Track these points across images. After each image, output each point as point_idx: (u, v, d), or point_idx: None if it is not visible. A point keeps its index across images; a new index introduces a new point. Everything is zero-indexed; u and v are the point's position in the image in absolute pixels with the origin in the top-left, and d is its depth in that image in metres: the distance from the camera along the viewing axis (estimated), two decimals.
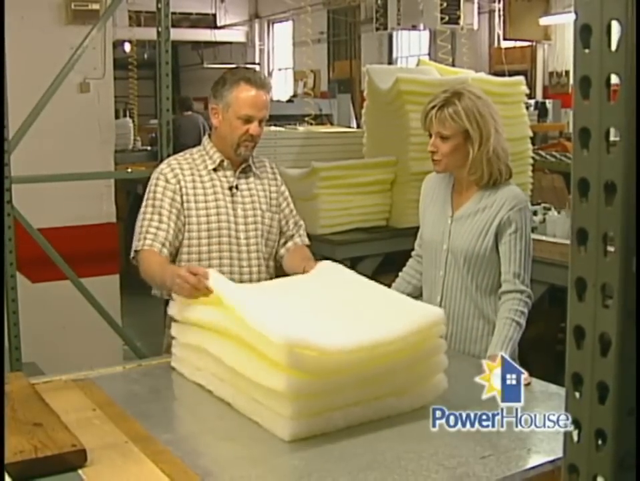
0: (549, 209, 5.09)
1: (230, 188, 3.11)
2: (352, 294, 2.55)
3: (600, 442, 1.03)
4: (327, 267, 2.82)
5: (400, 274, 3.31)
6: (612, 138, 0.99)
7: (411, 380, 2.32)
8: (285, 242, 3.24)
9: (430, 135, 3.02)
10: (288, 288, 2.71)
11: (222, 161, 3.11)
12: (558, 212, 4.90)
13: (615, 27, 0.97)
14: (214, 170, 3.10)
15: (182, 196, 3.04)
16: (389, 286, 3.17)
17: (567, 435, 1.07)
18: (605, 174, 0.98)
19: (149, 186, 3.09)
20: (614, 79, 0.98)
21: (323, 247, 4.79)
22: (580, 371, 1.04)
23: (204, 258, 3.04)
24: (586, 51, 0.99)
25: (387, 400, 2.25)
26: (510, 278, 2.93)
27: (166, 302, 2.81)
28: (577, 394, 1.05)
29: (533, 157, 5.76)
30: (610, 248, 1.00)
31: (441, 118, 2.94)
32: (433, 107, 2.97)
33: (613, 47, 0.97)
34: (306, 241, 3.30)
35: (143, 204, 3.07)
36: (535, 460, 2.02)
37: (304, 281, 2.75)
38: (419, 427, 2.19)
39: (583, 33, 0.99)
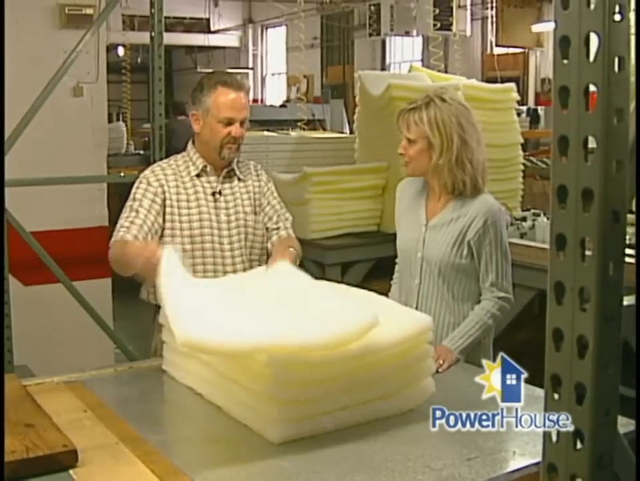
0: (538, 215, 5.12)
1: (213, 194, 3.12)
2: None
3: (578, 442, 1.06)
4: (285, 269, 2.75)
5: (392, 283, 3.32)
6: (590, 146, 1.02)
7: (400, 385, 2.34)
8: (271, 237, 3.23)
9: None
10: (258, 289, 2.67)
11: (204, 167, 3.12)
12: (548, 218, 4.93)
13: (593, 39, 1.00)
14: (197, 175, 3.12)
15: (164, 200, 3.05)
16: (379, 291, 3.20)
17: (546, 436, 1.10)
18: (583, 181, 1.01)
19: (134, 187, 3.11)
20: (592, 89, 1.01)
21: (314, 252, 4.81)
22: (558, 373, 1.06)
23: (186, 264, 3.02)
24: (565, 61, 1.02)
25: (376, 404, 2.27)
26: (487, 287, 2.99)
27: (157, 307, 2.84)
28: (556, 395, 1.08)
29: (524, 164, 5.80)
30: (588, 253, 1.03)
31: (407, 122, 3.00)
32: (402, 110, 3.04)
33: (591, 58, 1.00)
34: (292, 234, 3.27)
35: (126, 204, 3.09)
36: (520, 462, 2.04)
37: (275, 282, 2.67)
38: (406, 430, 2.21)
39: (562, 44, 1.02)
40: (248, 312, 2.27)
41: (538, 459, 1.96)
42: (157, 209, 3.04)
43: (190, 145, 3.19)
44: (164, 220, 3.05)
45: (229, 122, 3.03)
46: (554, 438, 1.08)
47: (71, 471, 1.94)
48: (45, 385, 2.55)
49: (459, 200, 3.02)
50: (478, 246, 2.96)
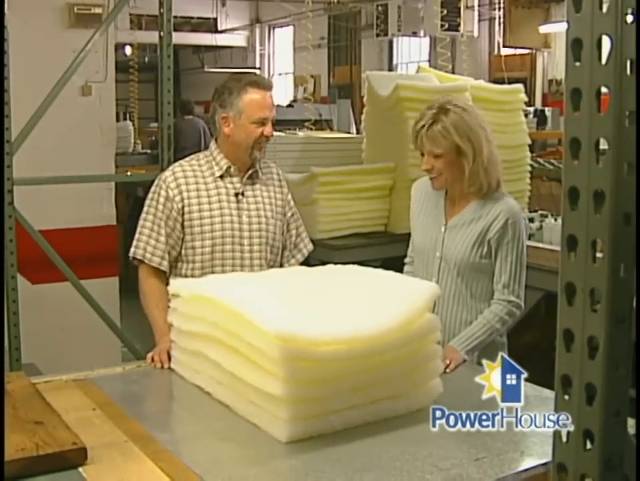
0: (546, 216, 5.12)
1: (236, 195, 3.13)
2: (349, 292, 2.54)
3: (588, 442, 1.07)
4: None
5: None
6: (602, 147, 1.03)
7: (408, 385, 2.35)
8: (289, 259, 3.29)
9: (422, 154, 3.03)
10: (286, 279, 2.73)
11: (228, 167, 3.13)
12: (555, 220, 4.93)
13: (605, 41, 1.01)
14: (221, 177, 3.13)
15: (183, 207, 3.07)
16: None
17: (556, 435, 1.10)
18: (594, 183, 1.02)
19: (152, 192, 3.13)
20: (604, 91, 1.01)
21: (321, 252, 4.81)
22: (569, 373, 1.07)
23: (207, 266, 3.07)
24: (577, 64, 1.02)
25: (384, 404, 2.28)
26: (499, 288, 3.00)
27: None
28: (566, 396, 1.08)
29: (531, 165, 5.79)
30: (599, 255, 1.03)
31: (432, 136, 2.95)
32: (422, 127, 2.97)
33: (603, 60, 1.01)
34: (310, 248, 3.36)
35: (145, 209, 3.12)
36: (528, 463, 2.05)
37: (305, 274, 2.78)
38: (414, 430, 2.22)
39: (574, 47, 1.02)
40: (320, 306, 2.33)
41: (546, 459, 1.99)
42: (175, 217, 3.08)
43: (212, 145, 3.20)
44: (182, 227, 3.09)
45: (262, 122, 3.04)
46: (564, 438, 1.08)
47: (80, 469, 1.95)
48: (54, 383, 2.56)
49: (480, 200, 3.02)
50: (497, 245, 2.98)
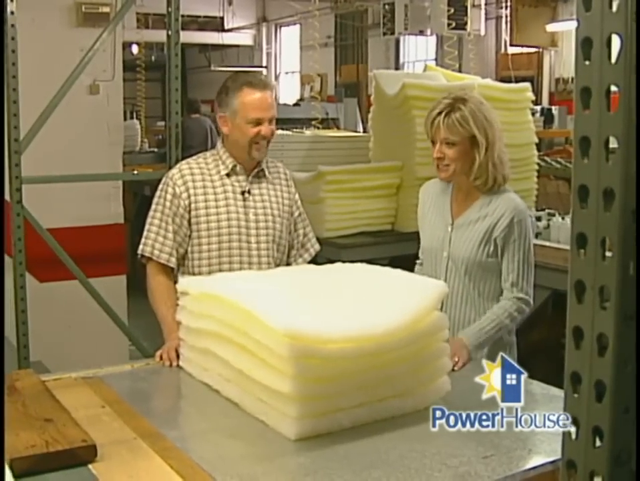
0: (553, 215, 5.12)
1: (243, 193, 3.15)
2: (357, 291, 2.55)
3: (597, 439, 1.07)
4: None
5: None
6: (611, 146, 1.03)
7: (415, 383, 2.35)
8: (296, 259, 3.30)
9: (433, 143, 3.02)
10: (294, 277, 2.74)
11: (234, 166, 3.15)
12: (562, 218, 4.93)
13: (615, 40, 1.01)
14: (227, 175, 3.15)
15: (189, 204, 3.09)
16: None
17: (565, 433, 1.10)
18: (604, 181, 1.02)
19: (159, 189, 3.16)
20: (613, 89, 1.01)
21: (328, 250, 4.82)
22: (578, 371, 1.07)
23: (214, 263, 3.08)
24: (587, 62, 1.02)
25: (391, 401, 2.28)
26: (507, 287, 3.01)
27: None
28: (576, 394, 1.09)
29: (538, 164, 5.78)
30: (609, 253, 1.03)
31: (449, 124, 2.94)
32: (439, 114, 2.97)
33: (613, 59, 1.01)
34: (317, 248, 3.38)
35: (153, 207, 3.15)
36: (536, 460, 2.05)
37: (313, 272, 2.79)
38: (422, 428, 2.22)
39: (584, 46, 1.02)
40: (328, 303, 2.33)
41: (554, 457, 2.00)
42: (182, 214, 3.10)
43: (219, 144, 3.22)
44: (189, 223, 3.11)
45: (258, 122, 3.05)
46: (573, 435, 1.09)
47: (90, 466, 1.96)
48: (63, 381, 2.57)
49: (486, 198, 3.03)
50: (503, 244, 2.98)
